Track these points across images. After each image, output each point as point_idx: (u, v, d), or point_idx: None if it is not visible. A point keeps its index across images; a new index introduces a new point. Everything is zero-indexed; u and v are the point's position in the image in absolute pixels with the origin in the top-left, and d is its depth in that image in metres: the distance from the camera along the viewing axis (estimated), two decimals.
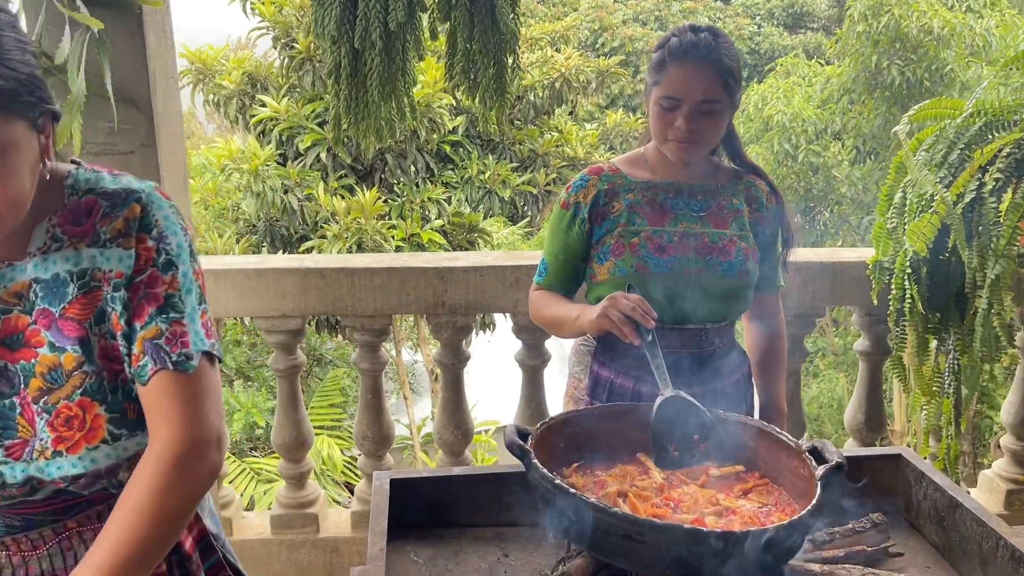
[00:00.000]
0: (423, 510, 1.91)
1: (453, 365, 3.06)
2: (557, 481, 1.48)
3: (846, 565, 1.68)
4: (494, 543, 1.86)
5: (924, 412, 3.09)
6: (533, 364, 3.09)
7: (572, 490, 1.45)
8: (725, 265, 2.13)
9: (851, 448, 3.32)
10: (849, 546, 1.83)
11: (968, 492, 3.34)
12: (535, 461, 1.55)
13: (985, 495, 3.41)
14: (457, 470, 1.92)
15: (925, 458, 3.11)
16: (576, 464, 1.76)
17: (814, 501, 1.46)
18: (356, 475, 8.90)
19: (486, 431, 10.38)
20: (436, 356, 3.09)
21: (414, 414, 9.97)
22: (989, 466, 3.57)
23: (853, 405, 3.27)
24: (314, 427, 3.12)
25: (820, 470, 1.54)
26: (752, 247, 2.19)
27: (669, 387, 1.79)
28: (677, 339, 2.17)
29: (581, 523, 1.44)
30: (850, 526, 1.85)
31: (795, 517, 1.42)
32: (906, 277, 2.88)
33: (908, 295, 2.89)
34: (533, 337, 3.05)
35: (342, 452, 8.70)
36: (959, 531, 1.80)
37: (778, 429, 1.73)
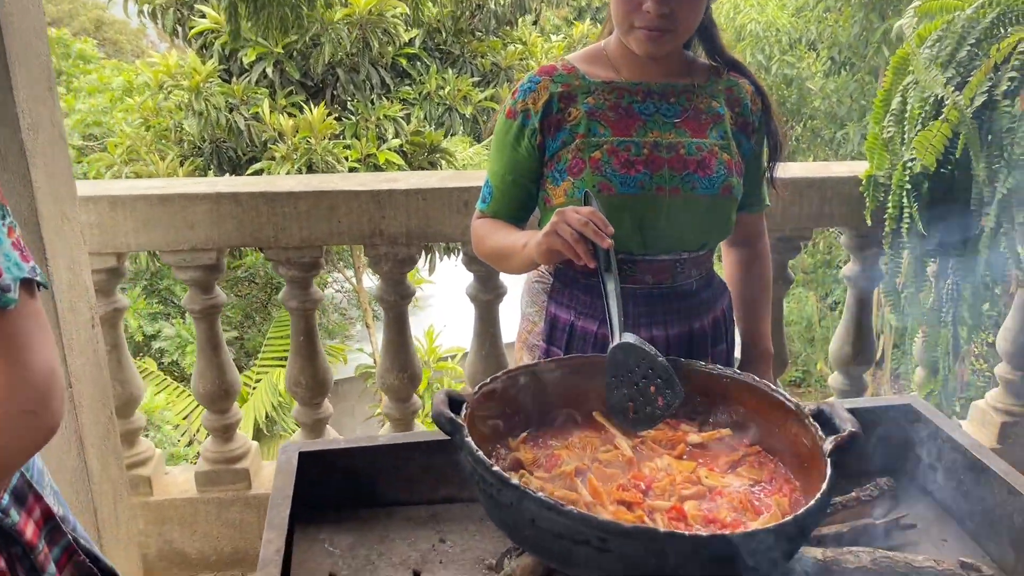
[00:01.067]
0: (342, 487, 1.58)
1: (395, 302, 2.70)
2: (495, 468, 1.14)
3: (853, 549, 1.37)
4: (428, 525, 1.54)
5: (923, 343, 2.81)
6: (486, 299, 2.74)
7: (513, 481, 1.11)
8: (704, 181, 1.77)
9: (840, 386, 3.04)
10: (853, 519, 1.53)
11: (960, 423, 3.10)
12: (467, 439, 1.21)
13: (977, 428, 3.16)
14: (383, 438, 1.58)
15: (925, 397, 2.84)
16: (525, 434, 1.42)
17: (824, 486, 1.14)
18: None
19: (452, 358, 10.11)
20: (376, 292, 2.72)
21: (377, 343, 9.65)
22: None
23: (839, 336, 2.98)
24: (271, 360, 2.76)
25: (829, 442, 1.22)
26: (735, 159, 1.82)
27: (618, 332, 1.45)
28: (647, 272, 1.82)
29: (525, 523, 1.11)
30: (853, 494, 1.55)
31: (803, 510, 1.10)
32: (904, 194, 2.55)
33: (906, 214, 2.56)
34: (485, 269, 2.69)
35: None
36: (984, 500, 1.50)
37: (772, 385, 1.40)
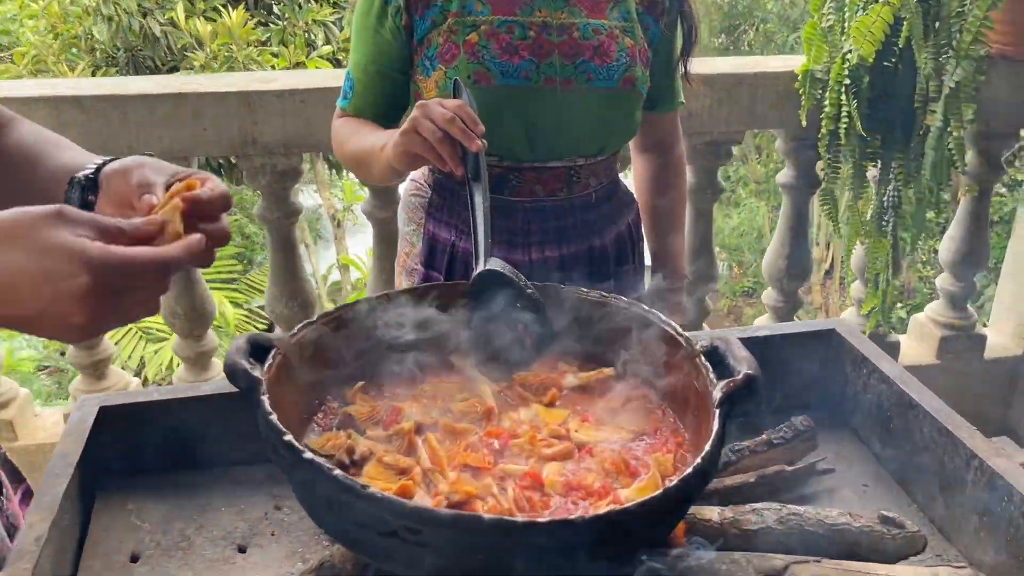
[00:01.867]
0: (159, 447, 1.31)
1: (279, 221, 2.40)
2: (286, 437, 0.88)
3: (756, 506, 1.15)
4: (263, 489, 1.29)
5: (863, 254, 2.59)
6: (383, 216, 2.45)
7: (306, 454, 0.85)
8: (603, 71, 1.48)
9: (773, 303, 2.83)
10: (763, 466, 1.32)
11: (895, 351, 2.93)
12: (262, 398, 0.94)
13: (916, 343, 3.00)
14: (207, 387, 1.32)
15: (867, 313, 2.64)
16: (363, 383, 1.16)
17: (708, 446, 0.90)
18: (256, 328, 8.32)
19: None
20: (257, 211, 2.42)
21: (318, 264, 9.32)
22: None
23: (773, 248, 2.75)
24: (207, 281, 2.46)
25: (719, 389, 0.98)
26: (641, 45, 1.54)
27: (483, 256, 1.19)
28: (536, 182, 1.55)
29: (322, 506, 0.86)
30: (764, 438, 1.33)
31: (677, 480, 0.86)
32: (843, 90, 2.28)
33: (844, 112, 2.31)
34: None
35: (239, 307, 8.07)
36: (912, 440, 1.29)
37: (659, 314, 1.15)
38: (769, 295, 2.82)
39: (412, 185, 1.71)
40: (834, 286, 11.00)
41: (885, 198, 2.51)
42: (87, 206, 0.91)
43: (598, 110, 1.51)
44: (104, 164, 0.94)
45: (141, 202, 0.82)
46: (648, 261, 1.79)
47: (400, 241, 1.77)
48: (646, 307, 1.17)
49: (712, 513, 1.13)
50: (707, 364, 1.04)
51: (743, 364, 0.99)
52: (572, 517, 0.79)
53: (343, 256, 9.48)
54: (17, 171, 0.99)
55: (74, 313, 0.70)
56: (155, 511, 1.25)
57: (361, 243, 9.67)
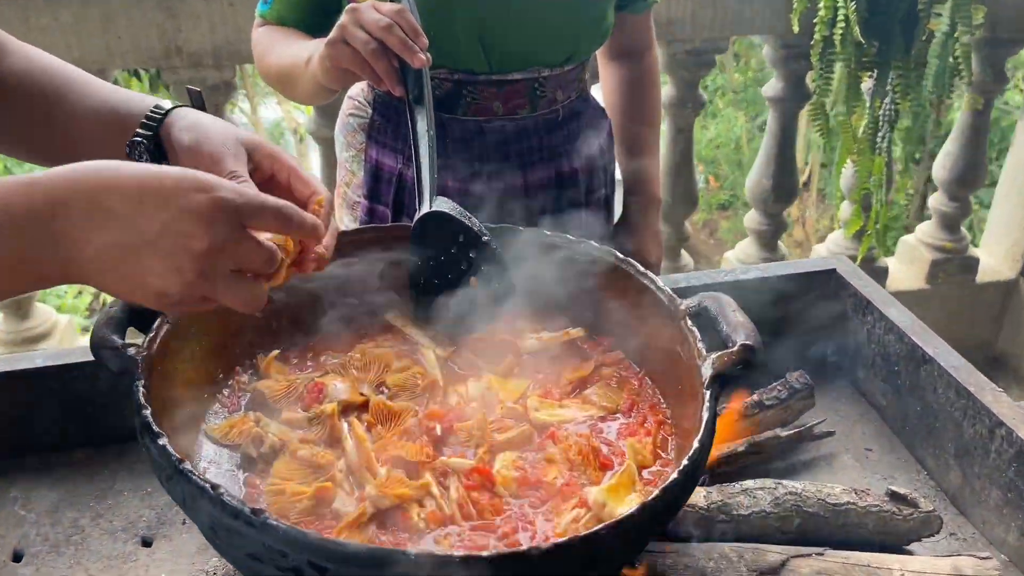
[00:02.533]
0: (51, 420, 1.12)
1: None
2: (162, 442, 0.69)
3: (748, 486, 0.99)
4: None
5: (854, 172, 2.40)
6: (329, 136, 2.20)
7: (184, 466, 0.66)
8: None
9: (757, 225, 2.64)
10: (757, 432, 1.15)
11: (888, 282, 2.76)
12: (137, 385, 0.74)
13: (905, 267, 2.84)
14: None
15: (852, 237, 2.47)
16: (277, 351, 0.96)
17: (696, 443, 0.72)
18: None
19: None
20: None
21: None
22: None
23: (758, 168, 2.54)
24: None
25: (709, 364, 0.79)
26: None
27: (428, 195, 0.98)
28: (494, 98, 1.33)
29: (207, 530, 0.68)
30: (755, 399, 1.16)
31: (654, 495, 0.67)
32: None
33: (841, 16, 2.08)
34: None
35: None
36: (924, 400, 1.13)
37: (637, 265, 0.96)
38: (752, 218, 2.63)
39: (349, 103, 1.48)
40: (811, 199, 10.86)
41: (880, 112, 2.30)
42: None
43: (564, 11, 1.28)
44: (158, 122, 0.82)
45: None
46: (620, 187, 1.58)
47: (339, 169, 1.54)
48: (621, 256, 0.98)
49: (697, 496, 0.97)
50: (694, 330, 0.85)
51: (738, 332, 0.81)
52: (524, 550, 0.61)
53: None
54: (29, 104, 0.85)
55: (194, 236, 0.61)
56: (44, 498, 1.07)
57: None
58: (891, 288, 2.71)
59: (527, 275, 0.99)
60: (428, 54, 1.03)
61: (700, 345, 0.82)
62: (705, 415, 0.74)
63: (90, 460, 1.12)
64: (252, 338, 0.96)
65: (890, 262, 2.82)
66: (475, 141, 1.36)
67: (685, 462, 0.69)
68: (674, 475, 0.68)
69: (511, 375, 0.95)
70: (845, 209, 2.66)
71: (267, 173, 0.80)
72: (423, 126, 1.04)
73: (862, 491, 1.01)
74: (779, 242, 2.66)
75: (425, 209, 0.98)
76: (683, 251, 2.61)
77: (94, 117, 0.85)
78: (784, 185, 2.52)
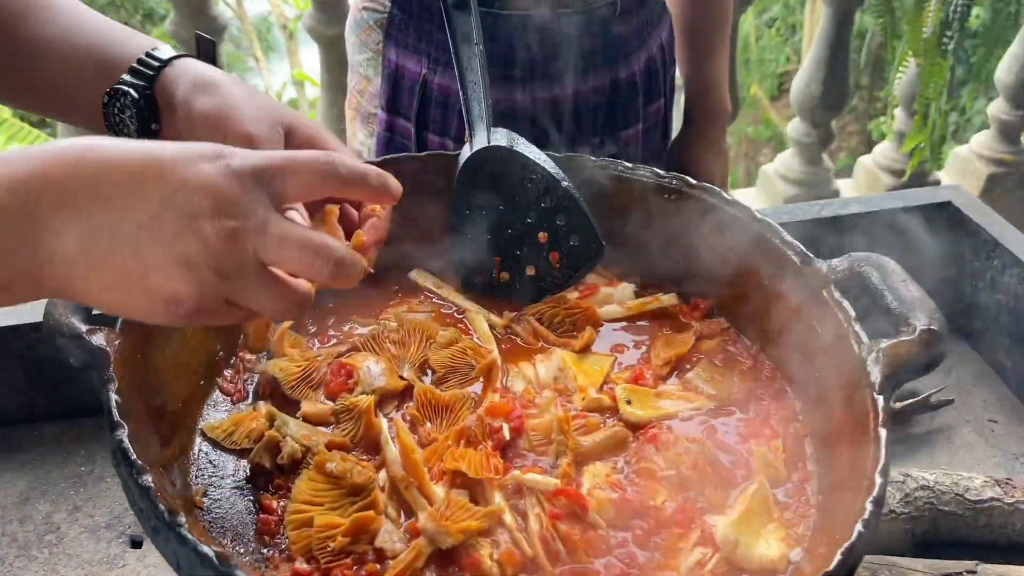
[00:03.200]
0: (20, 388, 0.92)
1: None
2: (146, 481, 0.49)
3: None
4: None
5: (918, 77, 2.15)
6: (330, 33, 1.95)
7: (175, 519, 0.47)
8: None
9: (800, 136, 2.40)
10: None
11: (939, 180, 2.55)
12: (110, 394, 0.54)
13: (956, 182, 2.61)
14: None
15: (910, 152, 2.24)
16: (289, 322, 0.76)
17: (877, 477, 0.52)
18: None
19: None
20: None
21: (270, 80, 8.58)
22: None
23: (807, 71, 2.29)
24: None
25: (879, 358, 0.59)
26: None
27: (482, 123, 0.77)
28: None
29: None
30: None
31: (836, 564, 0.48)
32: None
33: None
34: None
35: None
36: None
37: (755, 212, 0.74)
38: (797, 127, 2.39)
39: None
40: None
41: (952, 8, 2.03)
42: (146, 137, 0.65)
43: None
44: (156, 71, 0.64)
45: None
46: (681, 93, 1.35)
47: (350, 74, 1.30)
48: (728, 196, 0.76)
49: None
50: (844, 303, 0.64)
51: (915, 310, 0.60)
52: None
53: (297, 71, 8.72)
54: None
55: (203, 215, 0.45)
56: (10, 486, 0.88)
57: (317, 55, 8.88)
58: None
59: (609, 226, 0.78)
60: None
61: (858, 328, 0.62)
62: (883, 433, 0.54)
63: (63, 438, 0.93)
64: None
65: (940, 175, 2.60)
66: (515, 42, 1.12)
67: (869, 508, 0.50)
68: (856, 533, 0.49)
69: (588, 351, 0.75)
70: (900, 119, 2.42)
71: None
72: (471, 35, 0.81)
73: (1006, 482, 0.83)
74: (824, 155, 2.43)
75: (480, 143, 0.76)
76: None
77: (62, 51, 0.66)
78: (835, 91, 2.27)
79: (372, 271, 0.56)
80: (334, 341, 0.76)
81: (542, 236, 0.76)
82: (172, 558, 0.49)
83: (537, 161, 0.74)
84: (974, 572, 0.75)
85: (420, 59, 1.16)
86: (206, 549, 0.46)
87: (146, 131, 0.65)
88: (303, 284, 0.50)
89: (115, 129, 0.65)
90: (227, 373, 0.72)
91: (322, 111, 2.07)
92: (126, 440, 0.51)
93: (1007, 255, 1.00)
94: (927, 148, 2.24)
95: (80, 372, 0.86)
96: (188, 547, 0.46)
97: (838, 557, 0.48)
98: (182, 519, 0.47)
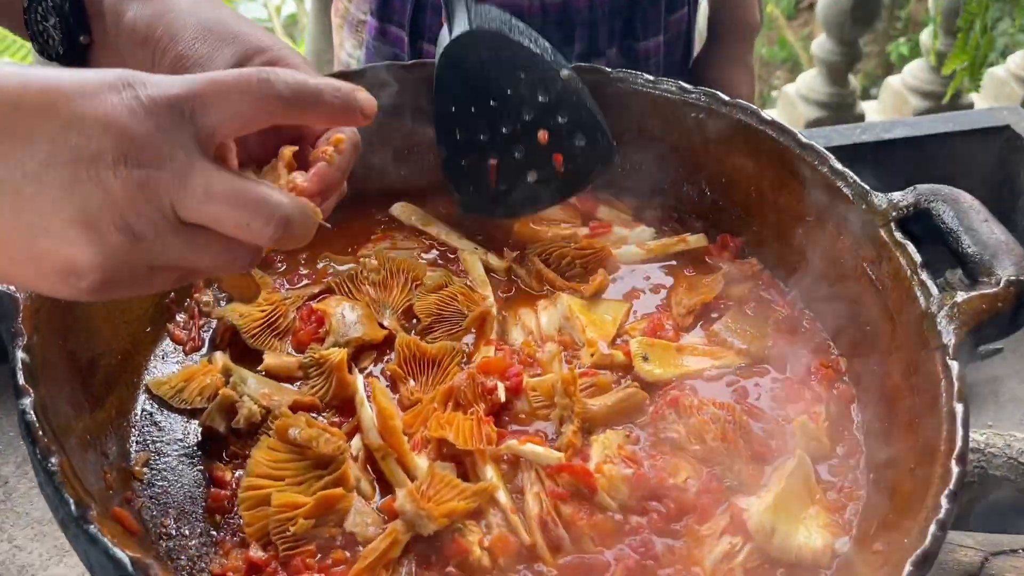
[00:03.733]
0: None
1: None
2: (53, 465, 0.39)
3: None
4: None
5: None
6: None
7: (86, 516, 0.37)
8: None
9: (827, 55, 2.24)
10: None
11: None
12: (17, 348, 0.44)
13: (990, 103, 2.47)
14: None
15: (951, 74, 2.09)
16: None
17: (954, 465, 0.42)
18: None
19: None
20: None
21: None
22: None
23: None
24: None
25: (951, 313, 0.48)
26: None
27: (463, 5, 0.64)
28: None
29: None
30: None
31: (913, 560, 0.39)
32: None
33: None
34: None
35: None
36: None
37: (798, 134, 0.63)
38: (822, 45, 2.24)
39: None
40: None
41: None
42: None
43: None
44: None
45: None
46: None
47: None
48: (765, 115, 0.65)
49: None
50: (908, 246, 0.54)
51: (1000, 256, 0.50)
52: None
53: None
54: None
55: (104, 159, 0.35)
56: None
57: None
58: None
59: (621, 138, 0.67)
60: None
61: (925, 277, 0.51)
62: (958, 410, 0.44)
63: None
64: None
65: (974, 98, 2.45)
66: None
67: (945, 506, 0.40)
68: (931, 538, 0.39)
69: (600, 298, 0.65)
70: (939, 38, 2.25)
71: None
72: None
73: None
74: (850, 76, 2.28)
75: (461, 27, 0.64)
76: None
77: None
78: (867, 5, 2.11)
79: (328, 225, 0.45)
80: (305, 282, 0.66)
81: (542, 135, 0.65)
82: (83, 557, 0.40)
83: (531, 47, 0.63)
84: None
85: None
86: (119, 553, 0.37)
87: (73, 45, 0.53)
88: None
89: (38, 39, 0.54)
90: (179, 318, 0.62)
91: (313, 20, 1.93)
92: (31, 411, 0.42)
93: None
94: (969, 70, 2.09)
95: None
96: (99, 548, 0.37)
97: (908, 569, 0.38)
98: (92, 513, 0.38)
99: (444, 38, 0.66)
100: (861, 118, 2.36)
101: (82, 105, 0.35)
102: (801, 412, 0.56)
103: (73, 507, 0.38)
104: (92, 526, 0.38)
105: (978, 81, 2.12)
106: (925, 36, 2.37)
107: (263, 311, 0.62)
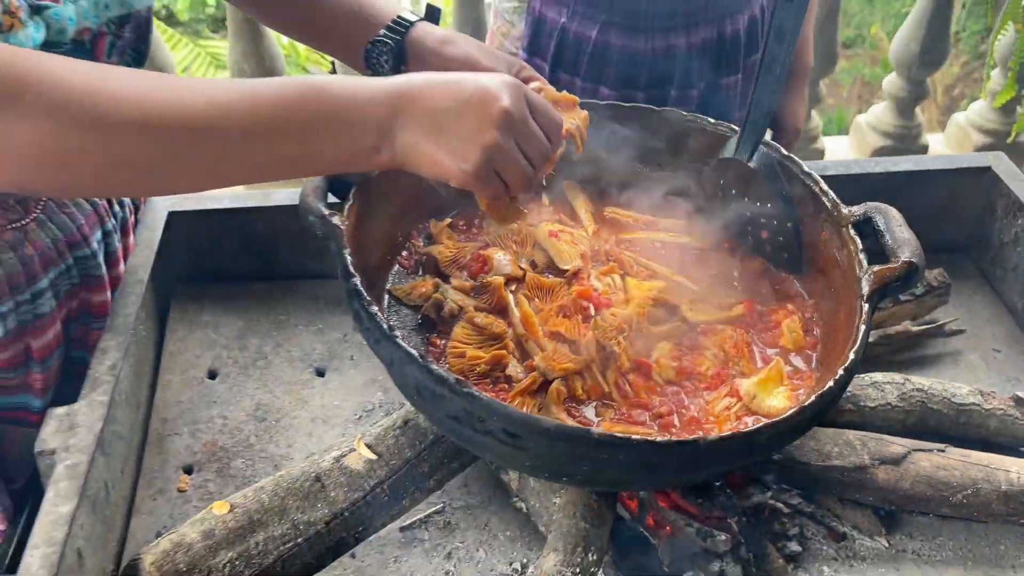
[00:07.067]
0: (233, 255, 1.24)
1: None
2: (372, 308, 0.78)
3: (877, 379, 1.04)
4: (342, 307, 1.22)
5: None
6: None
7: (392, 332, 0.75)
8: None
9: (896, 91, 2.52)
10: (888, 324, 1.19)
11: None
12: (345, 253, 0.83)
13: None
14: (280, 196, 1.21)
15: (999, 108, 2.35)
16: (451, 217, 1.04)
17: (851, 354, 0.77)
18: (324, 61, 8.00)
19: None
20: None
21: None
22: None
23: (908, 29, 2.40)
24: None
25: (869, 276, 0.83)
26: None
27: (750, 140, 0.99)
28: None
29: (411, 389, 0.78)
30: None
31: (819, 393, 0.74)
32: None
33: None
34: None
35: None
36: None
37: (803, 165, 0.98)
38: (892, 82, 2.51)
39: None
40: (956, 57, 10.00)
41: None
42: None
43: None
44: (406, 29, 0.93)
45: None
46: None
47: (492, 16, 1.54)
48: (785, 152, 0.99)
49: None
50: (856, 238, 0.88)
51: (904, 248, 0.84)
52: (695, 438, 0.69)
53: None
54: None
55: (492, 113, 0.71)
56: (231, 325, 1.20)
57: None
58: None
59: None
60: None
61: (862, 256, 0.86)
62: (862, 328, 0.79)
63: (266, 293, 1.24)
64: (428, 205, 1.02)
65: None
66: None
67: (841, 372, 0.75)
68: (830, 383, 0.75)
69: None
70: (995, 78, 2.51)
71: None
72: (784, 29, 0.90)
73: (988, 393, 1.06)
74: (917, 110, 2.55)
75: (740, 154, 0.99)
76: (813, 112, 2.53)
77: (338, 10, 0.94)
78: (934, 50, 2.38)
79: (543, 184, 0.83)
80: (476, 238, 1.04)
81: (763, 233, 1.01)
82: (387, 359, 0.78)
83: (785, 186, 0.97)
84: (943, 451, 0.98)
85: (561, 9, 1.38)
86: (411, 349, 0.74)
87: (397, 70, 0.93)
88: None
89: (372, 68, 0.95)
90: (404, 253, 1.01)
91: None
92: (359, 284, 0.80)
93: None
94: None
95: (275, 246, 1.16)
96: (401, 351, 0.75)
97: (812, 399, 0.73)
98: (399, 333, 0.76)
99: (730, 148, 1.00)
100: (925, 149, 2.62)
101: (488, 92, 0.71)
102: (786, 319, 0.91)
103: (387, 328, 0.76)
104: (398, 338, 0.75)
105: None
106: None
107: (451, 252, 1.00)
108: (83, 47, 0.79)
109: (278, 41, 2.39)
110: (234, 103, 0.68)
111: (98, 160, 0.65)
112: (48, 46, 0.74)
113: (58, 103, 0.61)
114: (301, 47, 7.04)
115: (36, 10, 0.72)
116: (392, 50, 0.92)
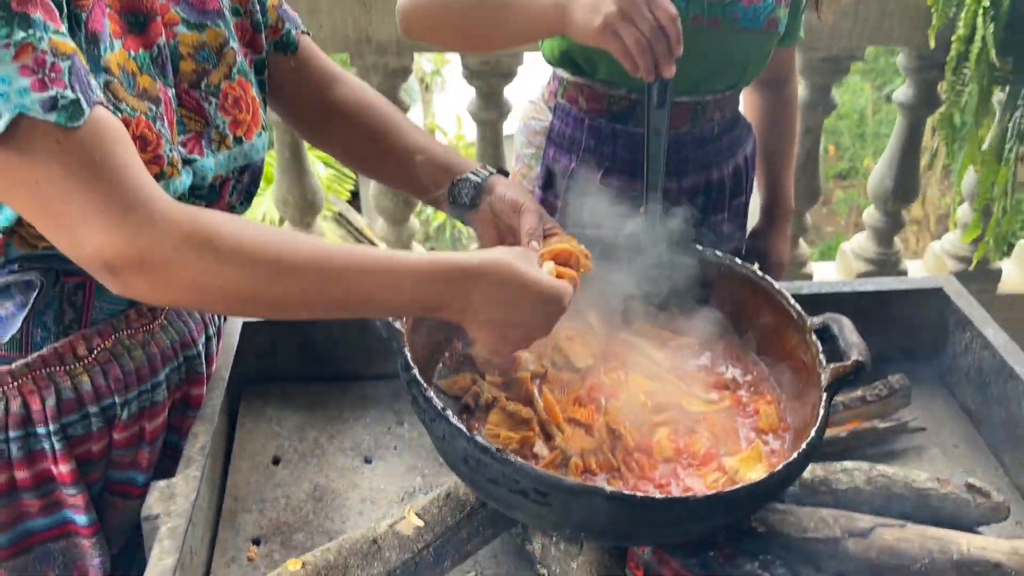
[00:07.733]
0: (293, 357, 1.44)
1: None
2: (428, 393, 0.98)
3: (847, 466, 1.22)
4: (386, 404, 1.41)
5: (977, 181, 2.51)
6: (489, 118, 2.47)
7: (452, 418, 0.95)
8: (749, 12, 1.43)
9: (875, 223, 2.78)
10: (857, 421, 1.38)
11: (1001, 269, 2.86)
12: (404, 350, 1.03)
13: (1020, 270, 2.93)
14: None
15: (970, 243, 2.59)
16: None
17: (813, 432, 0.96)
18: (346, 189, 8.46)
19: None
20: None
21: None
22: None
23: (881, 168, 2.68)
24: None
25: (828, 372, 1.03)
26: None
27: (657, 199, 1.25)
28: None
29: (459, 459, 0.97)
30: (859, 394, 1.38)
31: (783, 465, 0.93)
32: (980, 13, 2.16)
33: (979, 36, 2.19)
34: (488, 84, 2.40)
35: (329, 167, 8.23)
36: (1008, 410, 1.33)
37: (775, 284, 1.19)
38: (871, 214, 2.77)
39: (531, 107, 1.72)
40: (934, 176, 10.48)
41: (1010, 124, 2.40)
42: (472, 206, 1.17)
43: (737, 51, 1.48)
44: (485, 179, 1.16)
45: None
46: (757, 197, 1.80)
47: (515, 160, 1.80)
48: (760, 274, 1.21)
49: (805, 471, 1.21)
50: (817, 343, 1.08)
51: (854, 350, 1.04)
52: (688, 496, 0.88)
53: (431, 122, 9.47)
54: (357, 132, 1.19)
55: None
56: (291, 419, 1.39)
57: (449, 106, 9.60)
58: (1003, 291, 2.82)
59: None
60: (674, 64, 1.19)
61: (822, 356, 1.06)
62: (821, 411, 0.99)
63: (323, 393, 1.44)
64: None
65: (1004, 264, 2.91)
66: (640, 150, 1.59)
67: (804, 446, 0.94)
68: (795, 455, 0.93)
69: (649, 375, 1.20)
70: (963, 213, 2.77)
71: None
72: (662, 126, 1.25)
73: (944, 480, 1.23)
74: (895, 238, 2.80)
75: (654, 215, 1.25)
76: (801, 240, 2.78)
77: (417, 156, 1.16)
78: (905, 186, 2.65)
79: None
80: None
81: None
82: (440, 434, 0.97)
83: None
84: (903, 526, 1.14)
85: (570, 156, 1.63)
86: (461, 425, 0.94)
87: (473, 205, 1.16)
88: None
89: (455, 202, 1.17)
90: (446, 354, 1.21)
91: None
92: (417, 374, 1.00)
93: (975, 330, 1.40)
94: (991, 241, 2.58)
95: (332, 351, 1.37)
96: (453, 426, 0.94)
97: (780, 467, 0.92)
98: (450, 411, 0.95)
99: (637, 223, 1.25)
100: (904, 274, 2.85)
101: (543, 305, 0.96)
102: (764, 406, 1.10)
103: (442, 409, 0.96)
104: (451, 416, 0.95)
105: (1002, 250, 2.61)
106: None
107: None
108: (215, 190, 1.02)
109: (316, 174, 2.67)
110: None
111: (268, 298, 0.85)
112: (192, 188, 0.97)
113: (246, 251, 0.81)
114: (323, 173, 7.46)
115: (187, 162, 0.95)
116: (473, 186, 1.16)
